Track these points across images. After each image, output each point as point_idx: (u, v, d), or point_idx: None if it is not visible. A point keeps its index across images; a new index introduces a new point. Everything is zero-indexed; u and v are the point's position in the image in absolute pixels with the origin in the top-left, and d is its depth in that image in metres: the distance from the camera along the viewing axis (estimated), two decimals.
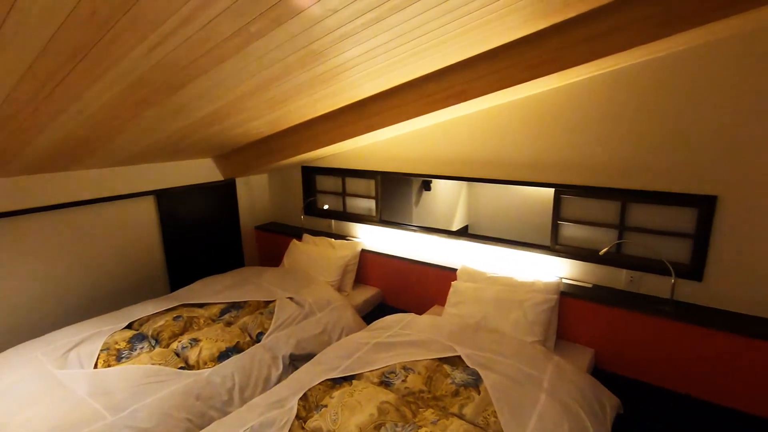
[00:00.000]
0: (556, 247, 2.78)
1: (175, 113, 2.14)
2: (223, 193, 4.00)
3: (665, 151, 2.33)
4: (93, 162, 2.85)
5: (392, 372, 2.15)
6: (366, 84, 2.38)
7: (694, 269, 2.33)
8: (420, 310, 3.26)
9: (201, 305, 2.98)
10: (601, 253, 2.50)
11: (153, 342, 2.53)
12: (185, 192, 3.67)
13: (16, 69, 1.26)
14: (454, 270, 3.07)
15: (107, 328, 2.60)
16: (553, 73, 2.13)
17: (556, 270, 2.79)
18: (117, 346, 2.42)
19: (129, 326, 2.70)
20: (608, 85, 2.43)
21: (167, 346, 2.47)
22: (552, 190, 2.73)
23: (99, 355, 2.33)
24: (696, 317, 2.23)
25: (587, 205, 2.64)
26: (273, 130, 3.14)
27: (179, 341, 2.46)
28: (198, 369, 2.27)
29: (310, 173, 4.05)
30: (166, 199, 3.53)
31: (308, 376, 2.15)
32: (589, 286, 2.65)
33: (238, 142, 3.35)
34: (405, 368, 2.16)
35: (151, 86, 1.68)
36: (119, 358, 2.34)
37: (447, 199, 5.45)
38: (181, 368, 2.25)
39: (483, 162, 2.97)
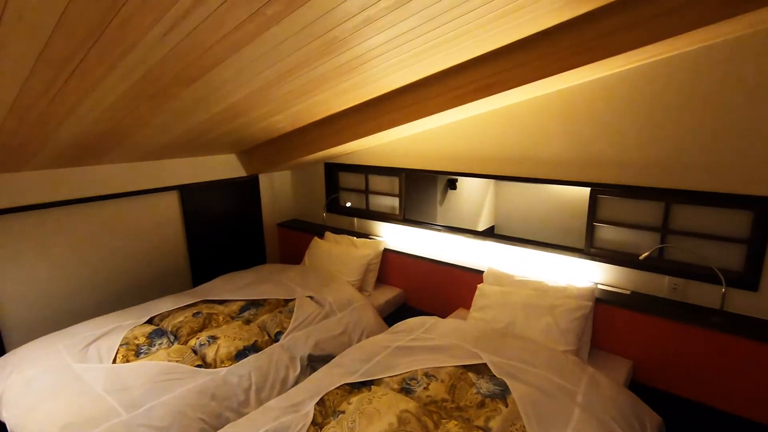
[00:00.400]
0: (590, 250, 2.60)
1: (194, 106, 2.09)
2: (246, 189, 3.98)
3: (717, 148, 2.13)
4: (117, 156, 2.86)
5: (413, 378, 2.04)
6: (389, 76, 2.28)
7: (749, 278, 2.12)
8: (443, 313, 3.14)
9: (221, 302, 2.95)
10: (641, 257, 2.31)
11: (172, 338, 2.50)
12: (209, 187, 3.66)
13: (28, 55, 1.23)
14: (480, 272, 2.93)
15: (128, 323, 2.59)
16: (590, 63, 1.97)
17: (590, 275, 2.61)
18: (136, 341, 2.40)
19: (149, 321, 2.69)
20: (651, 77, 2.24)
21: (185, 342, 2.44)
22: (587, 190, 2.56)
23: (118, 349, 2.31)
24: (750, 330, 2.02)
25: (626, 206, 2.46)
26: (295, 125, 3.08)
27: (197, 338, 2.42)
28: (215, 367, 2.23)
29: (333, 170, 3.98)
30: (189, 194, 3.53)
31: (326, 379, 2.07)
32: (627, 292, 2.46)
33: (261, 137, 3.31)
34: (427, 375, 2.05)
35: (167, 76, 1.63)
36: (138, 354, 2.32)
37: (473, 198, 5.29)
38: (198, 366, 2.21)
39: (513, 159, 2.82)
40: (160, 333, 2.51)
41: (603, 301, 2.42)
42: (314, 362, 2.45)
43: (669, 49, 2.02)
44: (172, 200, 3.47)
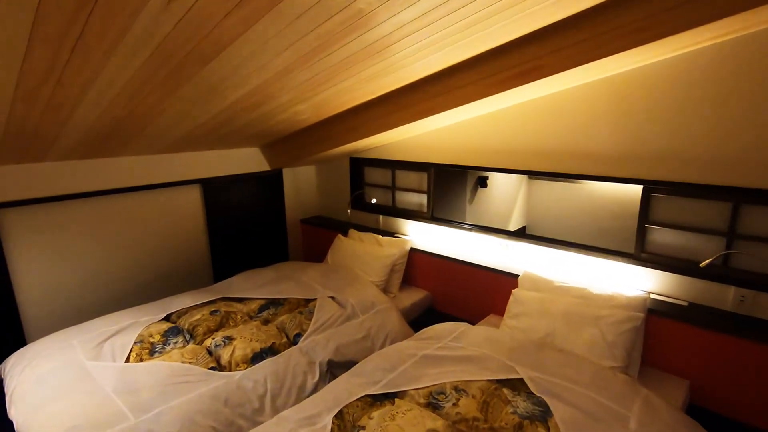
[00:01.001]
0: (641, 255, 2.33)
1: (211, 92, 1.96)
2: (270, 184, 3.88)
3: None
4: (138, 148, 2.78)
5: (441, 392, 1.85)
6: (418, 62, 2.08)
7: None
8: (473, 319, 2.93)
9: (240, 300, 2.83)
10: (703, 265, 2.04)
11: (187, 336, 2.40)
12: (231, 181, 3.57)
13: (19, 32, 1.11)
14: (515, 276, 2.70)
15: (145, 319, 2.51)
16: (655, 40, 1.72)
17: (640, 282, 2.34)
18: (151, 339, 2.31)
19: (167, 318, 2.60)
20: (720, 59, 1.96)
21: (201, 342, 2.33)
22: (632, 188, 2.30)
23: (132, 347, 2.22)
24: None
25: (686, 206, 2.18)
26: (319, 116, 2.93)
27: (213, 338, 2.31)
28: (229, 370, 2.10)
29: (359, 165, 3.82)
30: (212, 188, 3.45)
31: (346, 388, 1.90)
32: (685, 304, 2.19)
33: (283, 130, 3.18)
34: (457, 389, 1.86)
35: (178, 56, 1.50)
36: (152, 352, 2.22)
37: (504, 197, 5.02)
38: (211, 368, 2.09)
39: (553, 154, 2.58)
40: (175, 331, 2.41)
41: (656, 313, 2.16)
42: (334, 368, 2.30)
43: (751, 23, 1.74)
44: (195, 194, 3.39)
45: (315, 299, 2.77)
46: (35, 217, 2.63)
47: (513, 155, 2.76)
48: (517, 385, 1.89)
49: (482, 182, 4.68)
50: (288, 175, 4.03)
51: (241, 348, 2.21)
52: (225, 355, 2.18)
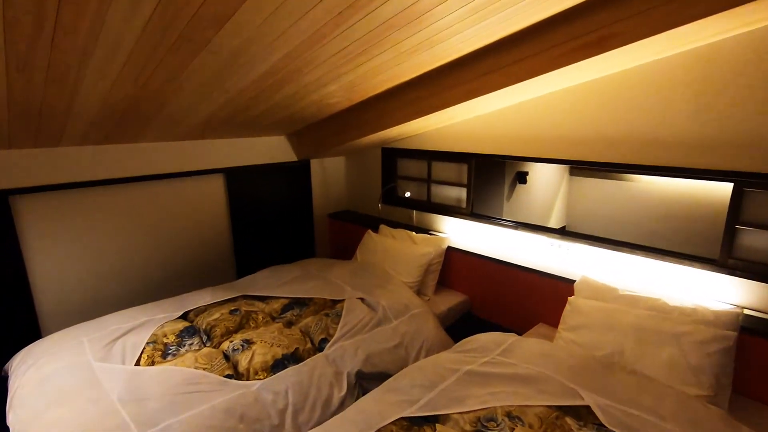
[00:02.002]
0: (728, 261, 1.96)
1: (230, 65, 1.73)
2: (297, 175, 3.65)
3: None
4: (156, 133, 2.60)
5: (492, 419, 1.55)
6: (466, 30, 1.77)
7: None
8: (518, 328, 2.61)
9: (262, 298, 2.62)
10: None
11: (204, 338, 2.20)
12: (256, 172, 3.36)
13: None
14: (569, 281, 2.37)
15: (161, 317, 2.32)
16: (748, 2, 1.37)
17: (727, 293, 1.97)
18: (165, 340, 2.11)
19: (184, 316, 2.41)
20: None
21: (218, 345, 2.11)
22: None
23: (144, 348, 2.03)
24: None
25: None
26: (351, 100, 2.67)
27: (231, 341, 2.09)
28: (247, 379, 1.87)
29: (392, 156, 3.54)
30: (236, 177, 3.25)
31: (378, 408, 1.64)
32: None
33: (311, 115, 2.93)
34: (510, 415, 1.56)
35: (185, 15, 1.26)
36: (165, 354, 2.02)
37: (544, 194, 4.64)
38: (227, 376, 1.86)
39: (617, 142, 2.22)
40: (191, 331, 2.21)
41: (751, 332, 1.79)
42: (364, 380, 2.04)
43: None
44: (217, 184, 3.20)
45: (343, 300, 2.52)
46: (52, 205, 2.49)
47: (567, 144, 2.42)
48: (583, 414, 1.57)
49: (521, 178, 4.32)
50: (316, 166, 3.80)
51: (261, 354, 1.98)
52: (243, 361, 1.95)
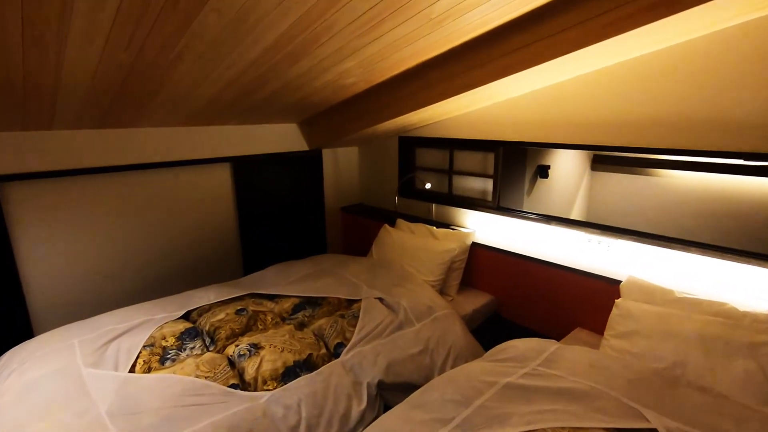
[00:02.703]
0: None
1: (236, 27, 1.50)
2: (308, 166, 3.43)
3: None
4: (157, 117, 2.39)
5: None
6: None
7: None
8: (553, 333, 2.37)
9: (271, 297, 2.40)
10: None
11: (207, 340, 1.98)
12: (265, 162, 3.14)
13: None
14: (612, 281, 2.12)
15: (160, 317, 2.11)
16: None
17: None
18: (164, 343, 1.90)
19: (185, 316, 2.20)
20: None
21: (222, 349, 1.90)
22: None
23: (140, 353, 1.82)
24: None
25: None
26: (369, 80, 2.43)
27: (237, 344, 1.87)
28: (254, 389, 1.66)
29: (410, 145, 3.30)
30: (243, 167, 3.04)
31: (406, 427, 1.41)
32: None
33: (326, 99, 2.70)
34: None
35: None
36: (163, 360, 1.81)
37: (566, 190, 4.37)
38: (232, 386, 1.64)
39: (669, 125, 1.96)
40: (193, 333, 1.99)
41: None
42: (386, 391, 1.81)
43: None
44: (224, 174, 2.99)
45: (359, 300, 2.29)
46: (45, 194, 2.29)
47: (607, 128, 2.16)
48: None
49: (543, 172, 4.05)
50: (328, 156, 3.57)
51: (270, 360, 1.76)
52: (250, 368, 1.73)
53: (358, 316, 2.13)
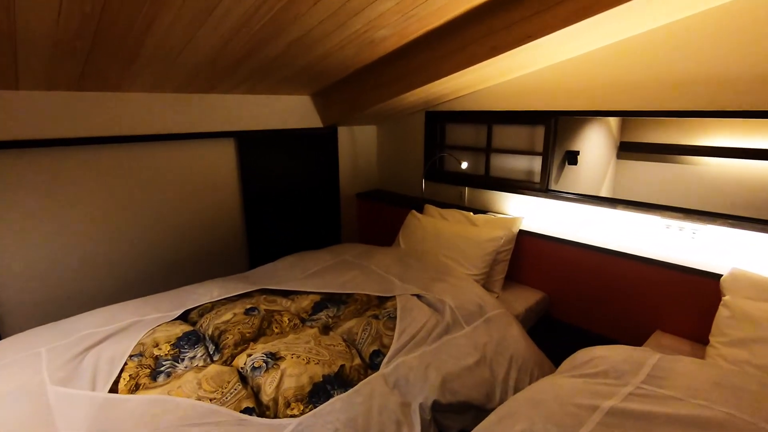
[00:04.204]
0: None
1: None
2: (322, 145, 3.03)
3: None
4: (146, 79, 1.98)
5: None
6: None
7: None
8: (622, 336, 2.00)
9: (286, 294, 2.01)
10: None
11: (211, 348, 1.59)
12: (274, 137, 2.74)
13: None
14: (704, 275, 1.74)
15: (152, 317, 1.72)
16: None
17: None
18: (156, 352, 1.50)
19: (183, 316, 1.80)
20: None
21: (230, 359, 1.50)
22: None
23: (125, 365, 1.42)
24: None
25: None
26: (403, 34, 2.02)
27: (250, 354, 1.47)
28: (275, 415, 1.26)
29: (439, 121, 2.90)
30: (250, 143, 2.63)
31: None
32: None
33: (347, 62, 2.29)
34: None
35: None
36: (155, 375, 1.41)
37: (591, 178, 3.99)
38: (246, 410, 1.25)
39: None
40: (194, 339, 1.59)
41: None
42: (441, 413, 1.42)
43: None
44: (227, 151, 2.58)
45: (393, 297, 1.90)
46: (11, 168, 1.88)
47: (684, 89, 1.77)
48: None
49: (572, 158, 3.67)
50: (344, 136, 3.17)
51: (293, 375, 1.37)
52: (268, 386, 1.34)
53: (394, 317, 1.74)
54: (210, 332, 1.65)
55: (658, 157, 3.99)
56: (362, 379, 1.42)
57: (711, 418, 1.13)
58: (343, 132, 3.15)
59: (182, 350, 1.52)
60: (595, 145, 3.95)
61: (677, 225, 1.94)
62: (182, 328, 1.63)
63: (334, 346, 1.56)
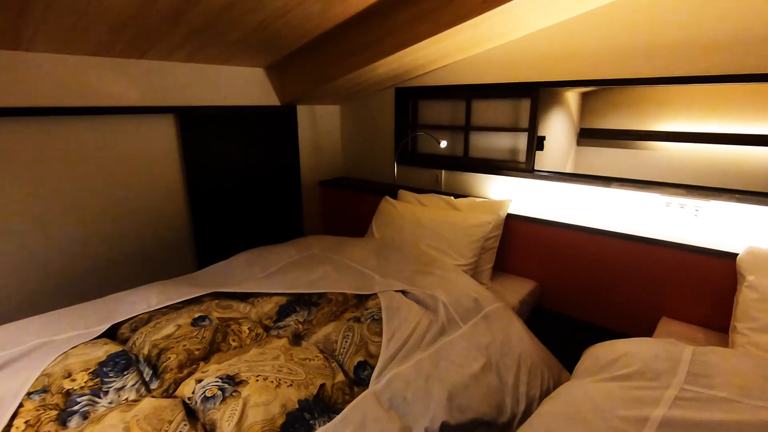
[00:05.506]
0: None
1: None
2: (279, 126, 2.66)
3: None
4: (55, 34, 1.54)
5: None
6: None
7: None
8: (626, 325, 1.83)
9: (244, 297, 1.66)
10: None
11: (147, 373, 1.22)
12: (223, 116, 2.35)
13: None
14: (713, 253, 1.60)
15: (67, 336, 1.32)
16: None
17: None
18: (68, 384, 1.12)
19: (111, 333, 1.41)
20: None
21: (173, 388, 1.14)
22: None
23: (20, 407, 1.03)
24: None
25: None
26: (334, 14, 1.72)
27: (199, 378, 1.13)
28: None
29: (410, 97, 2.63)
30: (194, 122, 2.22)
31: None
32: None
33: (310, 23, 1.95)
34: None
35: None
36: (65, 417, 1.03)
37: (555, 165, 3.92)
38: None
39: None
40: (123, 363, 1.22)
41: None
42: None
43: None
44: (165, 129, 2.16)
45: (374, 295, 1.61)
46: None
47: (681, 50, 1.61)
48: None
49: (539, 143, 3.56)
50: (304, 116, 2.82)
51: (259, 404, 1.04)
52: (226, 422, 1.00)
53: (379, 319, 1.45)
54: (146, 352, 1.28)
55: (615, 143, 3.97)
56: (349, 401, 1.12)
57: None
58: (303, 112, 2.80)
59: (105, 380, 1.14)
60: (558, 130, 3.84)
61: (678, 202, 1.79)
62: (107, 349, 1.25)
63: (309, 360, 1.24)
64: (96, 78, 1.84)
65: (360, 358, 1.29)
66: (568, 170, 3.82)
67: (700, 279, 1.64)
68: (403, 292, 1.63)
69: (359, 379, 1.24)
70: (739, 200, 1.65)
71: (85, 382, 1.12)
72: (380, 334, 1.38)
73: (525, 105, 2.19)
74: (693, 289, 1.67)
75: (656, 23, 1.70)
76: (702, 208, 1.73)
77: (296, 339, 1.39)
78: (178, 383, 1.15)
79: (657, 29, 1.70)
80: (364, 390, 1.18)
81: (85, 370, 1.15)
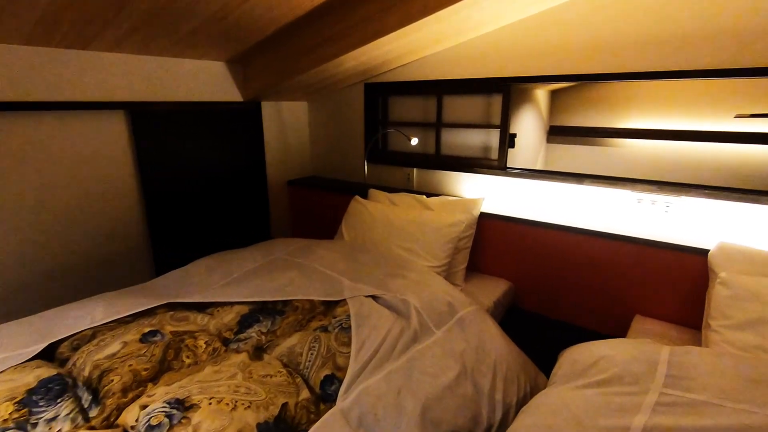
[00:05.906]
0: None
1: None
2: (242, 125, 2.52)
3: None
4: None
5: None
6: None
7: None
8: (601, 324, 1.81)
9: (202, 307, 1.53)
10: None
11: (87, 399, 1.09)
12: (181, 113, 2.20)
13: None
14: (684, 250, 1.59)
15: None
16: None
17: None
18: None
19: (48, 354, 1.26)
20: None
21: (115, 415, 1.02)
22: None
23: None
24: None
25: None
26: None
27: (145, 403, 1.01)
28: None
29: (380, 93, 2.54)
30: (146, 119, 2.07)
31: None
32: None
33: (272, 11, 1.84)
34: None
35: None
36: None
37: (527, 161, 3.94)
38: None
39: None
40: (58, 388, 1.08)
41: None
42: None
43: None
44: (116, 127, 2.00)
45: (343, 301, 1.52)
46: None
47: (666, 45, 1.60)
48: None
49: (510, 141, 3.55)
50: (270, 113, 2.69)
51: (212, 431, 0.93)
52: None
53: (348, 327, 1.37)
54: (86, 374, 1.15)
55: (585, 140, 4.01)
56: (314, 420, 1.03)
57: (763, 425, 0.91)
58: (268, 108, 2.67)
59: (35, 410, 1.01)
60: (528, 128, 3.84)
61: (650, 199, 1.78)
62: (38, 374, 1.11)
63: (270, 376, 1.14)
64: (29, 70, 1.67)
65: (327, 372, 1.20)
66: (538, 168, 3.83)
67: (673, 276, 1.63)
68: (374, 297, 1.55)
69: (326, 394, 1.15)
70: (709, 195, 1.65)
71: (9, 414, 0.98)
72: (349, 344, 1.29)
73: (497, 101, 2.15)
74: (665, 286, 1.66)
75: (626, 18, 1.67)
76: (673, 204, 1.73)
77: (257, 353, 1.28)
78: (121, 409, 1.03)
79: (627, 24, 1.68)
80: (332, 407, 1.09)
81: (11, 399, 1.01)
